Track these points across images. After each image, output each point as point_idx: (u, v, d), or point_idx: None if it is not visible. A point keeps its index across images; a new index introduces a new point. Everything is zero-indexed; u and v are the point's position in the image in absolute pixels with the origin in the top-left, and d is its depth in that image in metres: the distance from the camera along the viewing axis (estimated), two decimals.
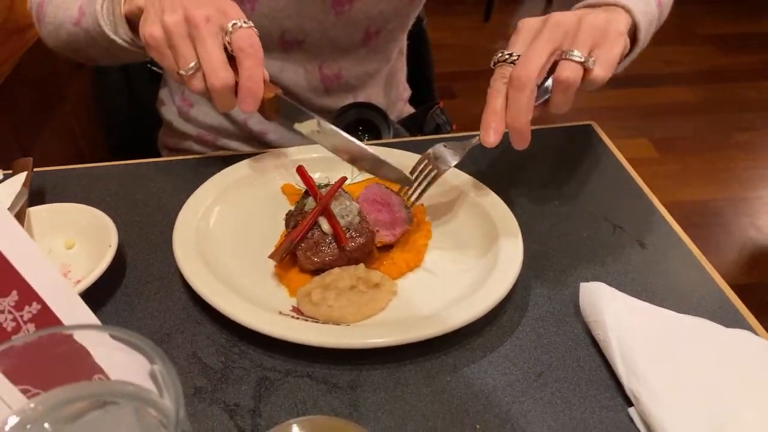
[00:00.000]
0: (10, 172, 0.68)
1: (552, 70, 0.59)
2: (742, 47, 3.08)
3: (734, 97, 2.72)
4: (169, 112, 0.98)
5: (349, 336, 0.51)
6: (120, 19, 0.68)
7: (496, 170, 0.74)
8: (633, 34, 0.66)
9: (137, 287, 0.59)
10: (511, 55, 0.60)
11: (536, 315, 0.57)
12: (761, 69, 2.91)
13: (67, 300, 0.39)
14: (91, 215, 0.62)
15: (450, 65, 2.62)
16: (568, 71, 0.57)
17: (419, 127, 1.01)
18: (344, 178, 0.63)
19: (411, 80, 1.11)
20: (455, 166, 0.69)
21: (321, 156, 0.71)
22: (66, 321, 0.38)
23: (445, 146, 0.64)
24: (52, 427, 0.32)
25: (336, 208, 0.59)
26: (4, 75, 0.96)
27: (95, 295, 0.55)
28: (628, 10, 0.64)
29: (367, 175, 0.67)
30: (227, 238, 0.63)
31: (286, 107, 0.66)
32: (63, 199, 0.67)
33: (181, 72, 0.61)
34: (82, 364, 0.32)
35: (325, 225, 0.58)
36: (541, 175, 0.75)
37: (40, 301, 0.38)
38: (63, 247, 0.62)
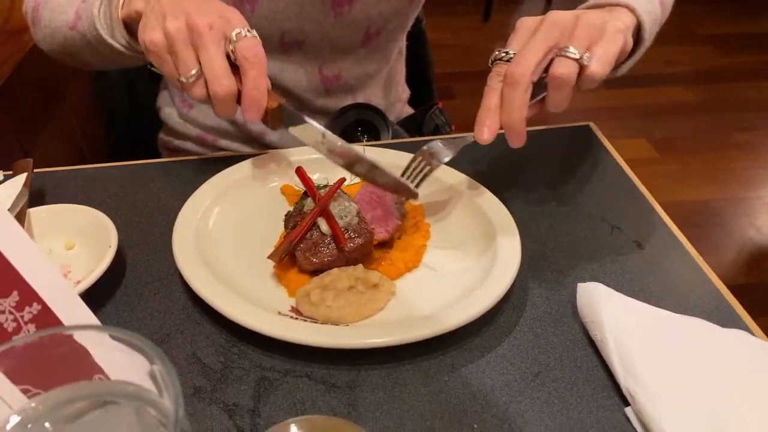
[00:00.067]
0: (11, 173, 0.68)
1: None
2: (742, 47, 3.08)
3: (734, 97, 2.73)
4: (169, 113, 0.98)
5: (347, 336, 0.51)
6: (117, 22, 0.67)
7: (494, 171, 0.75)
8: (636, 34, 0.66)
9: (137, 288, 0.60)
10: (507, 53, 0.60)
11: (534, 315, 0.57)
12: (761, 69, 2.91)
13: (68, 300, 0.39)
14: (91, 216, 0.62)
15: (449, 65, 2.63)
16: (563, 68, 0.57)
17: (418, 127, 1.01)
18: (343, 179, 0.63)
19: (410, 81, 1.11)
20: (454, 167, 0.70)
21: (320, 157, 0.70)
22: (66, 321, 0.39)
23: (440, 143, 0.65)
24: (53, 427, 0.33)
25: (335, 209, 0.60)
26: (4, 76, 0.96)
27: (95, 296, 0.55)
28: (631, 9, 0.64)
29: None
30: (227, 239, 0.63)
31: (289, 117, 0.66)
32: (63, 200, 0.67)
33: (182, 79, 0.61)
34: (82, 364, 0.33)
35: (323, 226, 0.59)
36: (539, 175, 0.75)
37: (40, 301, 0.38)
38: (63, 248, 0.63)
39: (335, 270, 0.57)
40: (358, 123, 0.89)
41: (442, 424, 0.48)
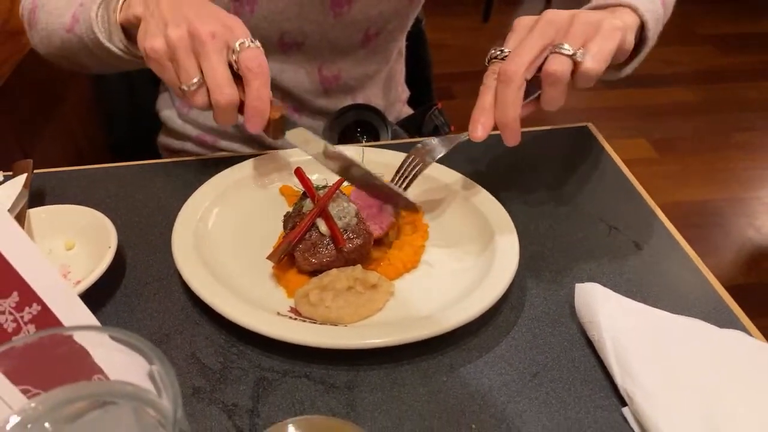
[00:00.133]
0: (11, 173, 0.69)
1: None
2: (741, 47, 3.08)
3: (734, 97, 2.73)
4: (169, 114, 0.98)
5: (346, 336, 0.52)
6: (115, 26, 0.67)
7: (493, 171, 0.75)
8: (639, 34, 0.66)
9: (137, 288, 0.60)
10: (503, 51, 0.60)
11: (532, 315, 0.57)
12: (761, 69, 2.91)
13: (67, 301, 0.39)
14: (90, 216, 0.62)
15: (449, 66, 2.63)
16: (557, 64, 0.56)
17: (418, 128, 1.01)
18: (342, 180, 0.63)
19: (410, 81, 1.12)
20: (453, 168, 0.70)
21: None
22: (66, 322, 0.39)
23: (434, 140, 0.65)
24: (53, 427, 0.33)
25: (334, 209, 0.60)
26: (4, 76, 0.96)
27: (95, 296, 0.56)
28: (634, 9, 0.64)
29: None
30: (226, 240, 0.63)
31: (291, 128, 0.66)
32: (63, 200, 0.67)
33: (183, 87, 0.60)
34: (81, 365, 0.33)
35: (322, 226, 0.59)
36: (538, 176, 0.75)
37: (40, 302, 0.38)
38: (63, 248, 0.63)
39: (334, 270, 0.58)
40: (358, 123, 0.89)
41: (441, 424, 0.48)
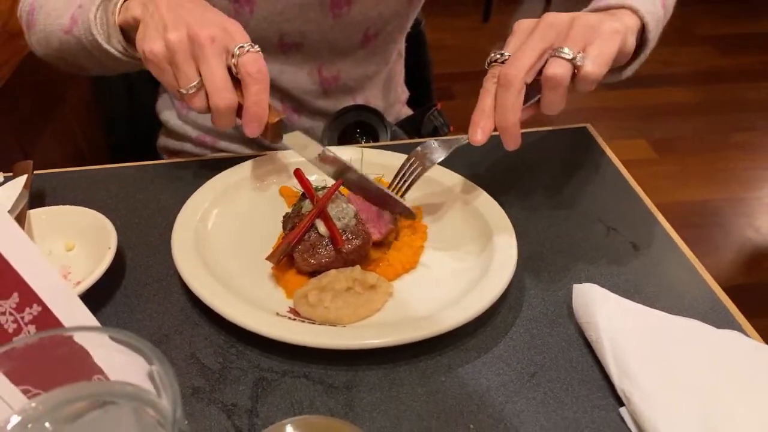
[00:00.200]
0: (11, 174, 0.69)
1: None
2: (741, 48, 3.08)
3: (733, 97, 2.73)
4: (168, 114, 0.98)
5: (345, 337, 0.52)
6: (114, 28, 0.67)
7: (491, 172, 0.75)
8: (640, 36, 0.66)
9: (136, 289, 0.60)
10: (503, 55, 0.60)
11: (530, 316, 0.58)
12: (760, 69, 2.91)
13: (67, 302, 0.39)
14: (90, 217, 0.62)
15: (449, 66, 2.63)
16: (557, 68, 0.56)
17: (417, 129, 1.02)
18: (341, 181, 0.64)
19: (409, 82, 1.12)
20: (452, 169, 0.70)
21: None
22: (66, 322, 0.39)
23: (434, 143, 0.65)
24: (53, 427, 0.33)
25: (332, 210, 0.60)
26: (5, 78, 0.96)
27: (95, 297, 0.56)
28: (635, 11, 0.64)
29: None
30: (225, 240, 0.64)
31: (289, 132, 0.66)
32: (63, 201, 0.67)
33: (182, 90, 0.61)
34: (82, 365, 0.33)
35: (321, 227, 0.59)
36: (536, 177, 0.76)
37: (40, 303, 0.38)
38: (63, 249, 0.63)
39: (333, 271, 0.58)
40: (357, 124, 0.89)
41: (439, 424, 0.49)
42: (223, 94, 0.60)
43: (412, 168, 0.65)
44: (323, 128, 0.89)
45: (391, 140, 0.87)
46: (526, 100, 0.58)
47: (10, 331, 0.38)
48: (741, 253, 1.95)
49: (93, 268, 0.56)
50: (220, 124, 0.63)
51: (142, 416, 0.33)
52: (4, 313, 0.38)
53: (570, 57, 0.57)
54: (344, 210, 0.60)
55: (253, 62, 0.60)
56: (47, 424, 0.33)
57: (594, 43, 0.58)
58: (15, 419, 0.32)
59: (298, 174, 0.64)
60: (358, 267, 0.58)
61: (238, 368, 0.53)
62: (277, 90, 0.91)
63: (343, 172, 0.64)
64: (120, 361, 0.32)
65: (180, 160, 0.78)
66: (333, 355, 0.53)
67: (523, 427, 0.49)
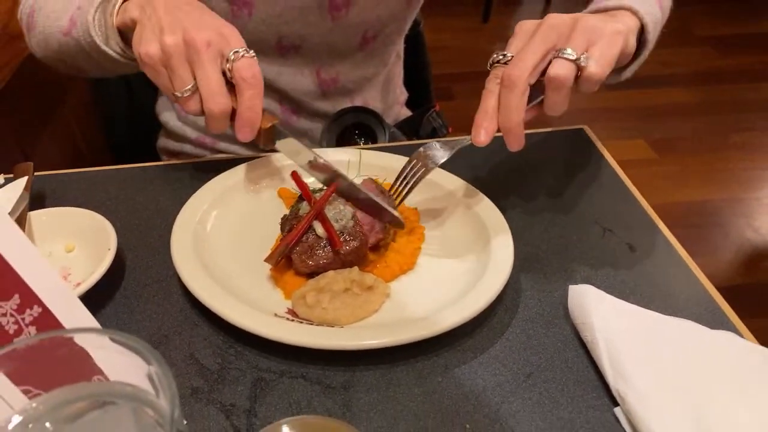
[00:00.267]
0: (12, 176, 0.69)
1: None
2: (740, 48, 3.09)
3: (732, 98, 2.73)
4: (168, 115, 0.99)
5: (342, 338, 0.52)
6: (112, 30, 0.67)
7: (488, 174, 0.76)
8: (639, 37, 0.66)
9: (136, 290, 0.61)
10: (505, 56, 0.60)
11: (526, 317, 0.58)
12: (760, 70, 2.92)
13: (67, 303, 0.40)
14: (90, 219, 0.63)
15: (449, 66, 2.63)
16: (560, 69, 0.57)
17: (415, 130, 1.02)
18: (338, 183, 0.64)
19: (408, 83, 1.12)
20: (448, 170, 0.71)
21: None
22: (66, 324, 0.40)
23: (437, 144, 0.65)
24: (53, 427, 0.34)
25: (330, 212, 0.61)
26: (5, 79, 0.97)
27: (95, 298, 0.56)
28: (634, 12, 0.64)
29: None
30: (224, 242, 0.64)
31: (281, 136, 0.67)
32: (63, 203, 0.68)
33: (177, 93, 0.61)
34: (82, 366, 0.34)
35: (319, 229, 0.59)
36: (533, 178, 0.76)
37: (40, 304, 0.39)
38: (63, 251, 0.64)
39: (331, 272, 0.58)
40: (355, 126, 0.89)
41: (435, 424, 0.49)
42: (217, 99, 0.60)
43: (415, 169, 0.65)
44: (322, 130, 0.89)
45: (389, 142, 0.88)
46: (529, 101, 0.58)
47: (11, 332, 0.38)
48: (740, 254, 1.95)
49: (93, 270, 0.57)
50: (213, 128, 0.63)
51: (141, 416, 0.33)
52: (5, 315, 0.38)
53: (574, 58, 0.57)
54: (342, 212, 0.61)
55: (248, 67, 0.61)
56: (48, 424, 0.33)
57: (597, 44, 0.58)
58: (16, 419, 0.33)
59: (295, 176, 0.64)
60: (355, 268, 0.59)
61: (236, 369, 0.53)
62: (275, 92, 0.92)
63: (333, 180, 0.64)
64: (120, 362, 0.32)
65: (180, 161, 0.78)
66: (331, 355, 0.53)
67: (518, 427, 0.49)
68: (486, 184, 0.70)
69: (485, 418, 0.50)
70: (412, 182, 0.65)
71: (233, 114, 0.62)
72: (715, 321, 0.58)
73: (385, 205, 0.62)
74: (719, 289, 0.62)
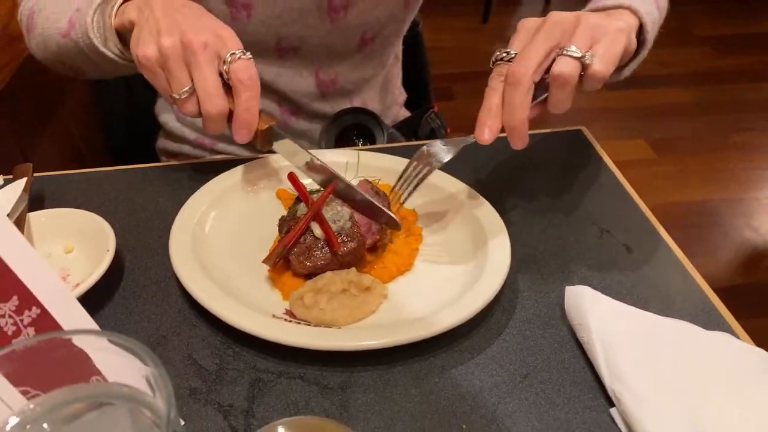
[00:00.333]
0: (11, 177, 0.69)
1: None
2: (739, 48, 3.09)
3: (732, 98, 2.74)
4: (167, 116, 0.99)
5: (340, 338, 0.53)
6: (110, 31, 0.68)
7: (486, 175, 0.76)
8: (638, 36, 0.66)
9: (135, 291, 0.61)
10: (509, 53, 0.59)
11: (523, 318, 0.58)
12: (759, 70, 2.92)
13: (66, 304, 0.40)
14: (89, 220, 0.63)
15: (448, 67, 2.63)
16: (565, 66, 0.56)
17: (414, 131, 1.02)
18: (335, 184, 0.64)
19: (407, 83, 1.12)
20: (446, 171, 0.71)
21: None
22: (65, 325, 0.40)
23: (440, 143, 0.64)
24: (51, 428, 0.34)
25: (328, 213, 0.61)
26: (4, 80, 0.97)
27: (93, 299, 0.57)
28: (634, 11, 0.64)
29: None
30: (223, 243, 0.64)
31: (278, 137, 0.67)
32: (62, 204, 0.68)
33: (174, 95, 0.62)
34: (80, 367, 0.34)
35: (317, 230, 0.60)
36: (530, 179, 0.76)
37: (39, 305, 0.39)
38: (62, 252, 0.64)
39: (328, 273, 0.58)
40: (354, 127, 0.90)
41: (432, 424, 0.49)
42: (214, 101, 0.61)
43: (419, 168, 0.65)
44: (320, 131, 0.89)
45: (387, 143, 0.88)
46: (532, 99, 0.58)
47: (10, 333, 0.39)
48: (739, 254, 1.96)
49: (92, 271, 0.57)
50: (210, 129, 0.63)
51: (138, 417, 0.34)
52: (3, 316, 0.38)
53: (578, 55, 0.57)
54: (339, 213, 0.61)
55: (245, 69, 0.61)
56: (45, 425, 0.34)
57: (601, 42, 0.58)
58: (14, 420, 0.33)
59: (292, 178, 0.65)
60: (353, 269, 0.59)
61: (234, 369, 0.53)
62: (274, 93, 0.92)
63: (330, 181, 0.64)
64: (118, 363, 0.32)
65: (178, 162, 0.79)
66: (328, 356, 0.53)
67: (515, 428, 0.49)
68: (483, 185, 0.70)
69: (482, 418, 0.50)
70: (416, 181, 0.65)
71: (230, 115, 0.62)
72: (711, 322, 0.58)
73: (382, 206, 0.62)
74: (719, 289, 0.62)
